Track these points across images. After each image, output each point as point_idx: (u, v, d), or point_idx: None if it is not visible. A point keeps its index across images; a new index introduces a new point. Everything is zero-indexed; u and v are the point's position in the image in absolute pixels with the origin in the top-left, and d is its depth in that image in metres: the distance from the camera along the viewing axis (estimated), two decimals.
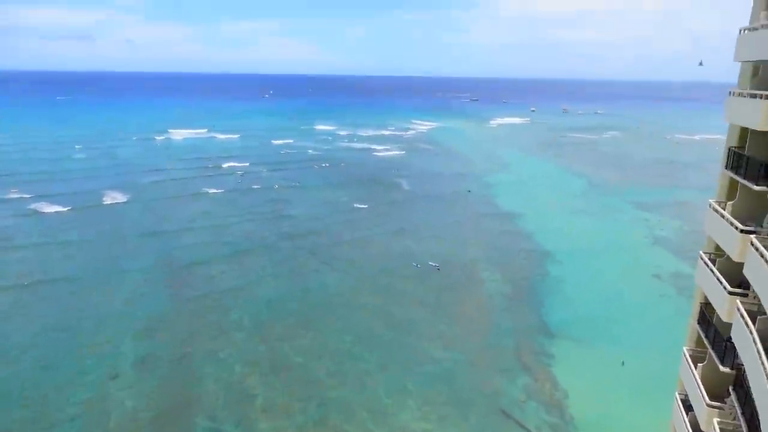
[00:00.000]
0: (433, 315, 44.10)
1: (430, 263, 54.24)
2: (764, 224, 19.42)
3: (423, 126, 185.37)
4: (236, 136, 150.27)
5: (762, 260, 18.27)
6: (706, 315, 23.17)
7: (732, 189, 23.10)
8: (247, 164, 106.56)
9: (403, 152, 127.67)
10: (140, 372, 37.27)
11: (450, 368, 37.10)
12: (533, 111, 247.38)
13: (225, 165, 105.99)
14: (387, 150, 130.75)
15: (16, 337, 40.73)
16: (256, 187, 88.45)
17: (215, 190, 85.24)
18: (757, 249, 19.06)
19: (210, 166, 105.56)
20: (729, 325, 20.39)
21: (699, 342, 24.04)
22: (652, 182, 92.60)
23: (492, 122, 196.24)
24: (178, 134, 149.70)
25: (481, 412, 32.72)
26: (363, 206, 76.70)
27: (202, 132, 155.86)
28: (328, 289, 49.03)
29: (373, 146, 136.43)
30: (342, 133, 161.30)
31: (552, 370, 36.70)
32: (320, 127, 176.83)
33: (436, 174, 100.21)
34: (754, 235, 19.68)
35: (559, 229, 66.39)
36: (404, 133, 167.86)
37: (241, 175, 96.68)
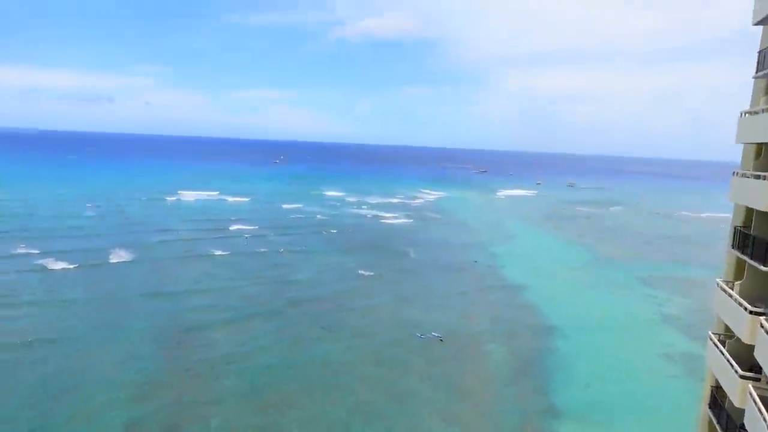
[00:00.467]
0: (435, 388, 42.78)
1: (434, 334, 53.25)
2: None
3: (430, 195, 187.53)
4: (246, 199, 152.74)
5: None
6: (718, 399, 22.31)
7: (739, 268, 22.87)
8: (255, 227, 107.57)
9: (411, 220, 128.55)
10: None
11: None
12: (539, 184, 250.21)
13: (233, 227, 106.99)
14: (395, 218, 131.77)
15: (3, 400, 39.75)
16: (262, 250, 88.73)
17: (221, 252, 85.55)
18: (767, 331, 18.59)
19: (218, 228, 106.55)
20: (742, 411, 19.58)
21: (711, 428, 23.01)
22: (658, 258, 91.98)
23: (499, 194, 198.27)
24: (189, 195, 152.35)
25: None
26: (369, 273, 76.44)
27: (213, 194, 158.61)
28: (330, 357, 47.97)
29: (381, 213, 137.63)
30: (350, 199, 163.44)
31: None
32: (329, 193, 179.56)
33: (443, 243, 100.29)
34: (764, 317, 19.26)
35: (566, 302, 65.45)
36: (412, 201, 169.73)
37: (248, 239, 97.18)
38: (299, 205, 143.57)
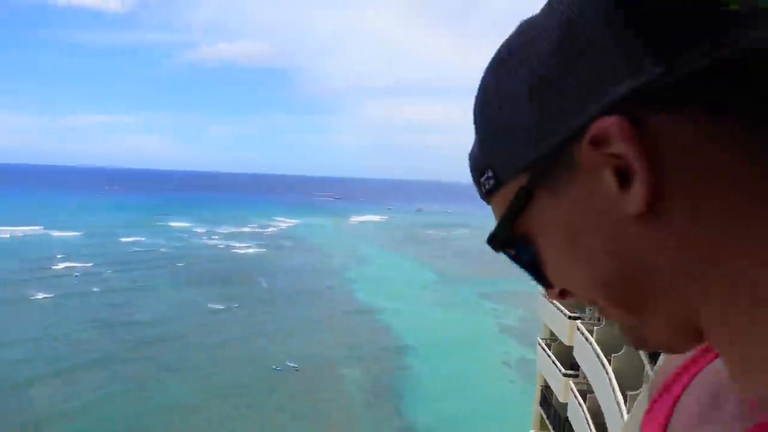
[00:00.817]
0: (293, 419, 41.59)
1: (289, 364, 51.94)
2: (587, 311, 21.64)
3: (285, 223, 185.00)
4: (77, 233, 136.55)
5: (586, 343, 20.09)
6: (547, 397, 24.61)
7: None
8: (89, 264, 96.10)
9: (264, 249, 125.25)
10: None
11: None
12: (390, 209, 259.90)
13: (60, 266, 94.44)
14: (247, 247, 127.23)
15: None
16: (96, 289, 79.81)
17: (45, 295, 75.22)
18: (582, 333, 20.99)
19: (41, 267, 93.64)
20: (566, 405, 21.78)
21: (543, 424, 25.29)
22: (497, 275, 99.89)
23: (352, 220, 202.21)
24: (3, 232, 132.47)
25: None
26: (219, 307, 72.54)
27: (35, 229, 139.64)
28: (177, 401, 44.25)
29: (232, 243, 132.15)
30: (199, 230, 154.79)
31: None
32: (175, 223, 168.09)
33: (297, 270, 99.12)
34: (579, 321, 21.80)
35: (417, 322, 68.12)
36: (265, 230, 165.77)
37: (79, 277, 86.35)
38: (141, 238, 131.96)
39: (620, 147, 0.34)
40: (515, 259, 0.49)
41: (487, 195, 0.47)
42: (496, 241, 0.47)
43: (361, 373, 50.91)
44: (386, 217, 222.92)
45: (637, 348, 0.44)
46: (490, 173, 0.44)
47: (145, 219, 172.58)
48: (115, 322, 63.96)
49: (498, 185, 0.44)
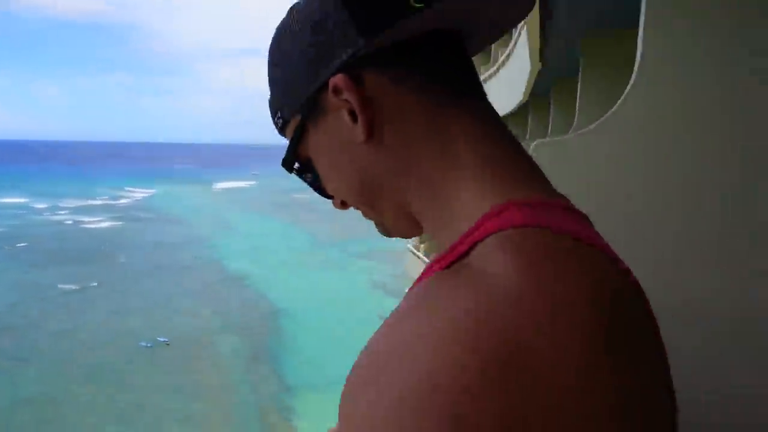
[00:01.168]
0: (168, 395, 40.60)
1: (159, 339, 50.13)
2: None
3: (140, 193, 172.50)
4: None
5: None
6: None
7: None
8: None
9: (119, 223, 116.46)
10: None
11: None
12: (255, 175, 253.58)
13: None
14: (99, 221, 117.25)
15: None
16: None
17: None
18: None
19: None
20: None
21: None
22: (366, 233, 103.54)
23: (216, 187, 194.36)
24: None
25: None
26: (73, 287, 66.92)
27: None
28: (33, 393, 40.78)
29: (82, 218, 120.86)
30: (39, 205, 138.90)
31: (295, 425, 37.29)
32: (8, 200, 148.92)
33: (158, 243, 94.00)
34: None
35: (291, 285, 68.88)
36: (118, 202, 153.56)
37: None
38: None
39: (347, 95, 0.60)
40: (303, 178, 0.74)
41: (280, 130, 0.72)
42: (287, 164, 0.72)
43: (237, 341, 50.77)
44: (252, 183, 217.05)
45: (386, 235, 0.72)
46: (279, 114, 0.70)
47: None
48: None
49: (285, 123, 0.70)
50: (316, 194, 0.80)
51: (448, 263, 0.54)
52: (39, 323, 54.64)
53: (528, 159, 0.60)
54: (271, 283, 68.82)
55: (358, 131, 0.61)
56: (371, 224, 0.72)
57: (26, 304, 60.08)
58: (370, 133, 0.61)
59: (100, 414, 37.84)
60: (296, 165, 0.71)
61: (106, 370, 44.14)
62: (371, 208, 0.70)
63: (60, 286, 66.49)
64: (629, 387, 0.40)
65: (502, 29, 0.66)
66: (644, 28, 2.92)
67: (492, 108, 0.63)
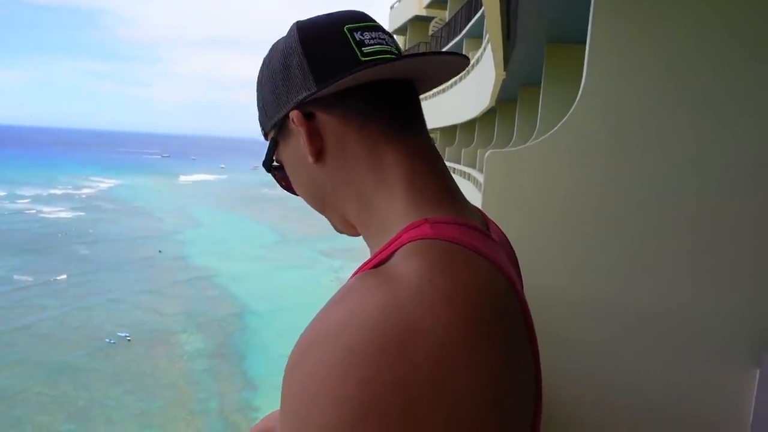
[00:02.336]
0: (126, 392, 39.73)
1: (120, 335, 49.00)
2: None
3: (103, 183, 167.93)
4: None
5: None
6: None
7: None
8: None
9: (81, 213, 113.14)
10: None
11: None
12: (223, 168, 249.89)
13: None
14: (59, 211, 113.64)
15: None
16: None
17: None
18: None
19: None
20: None
21: None
22: (333, 231, 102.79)
23: (182, 179, 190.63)
24: None
25: None
26: (30, 281, 64.77)
27: None
28: None
29: (40, 208, 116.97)
30: None
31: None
32: None
33: (122, 236, 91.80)
34: None
35: (257, 283, 68.20)
36: (80, 191, 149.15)
37: None
38: None
39: (299, 127, 0.78)
40: (278, 179, 0.96)
41: (264, 137, 0.90)
42: (266, 166, 0.91)
43: (201, 339, 50.04)
44: (220, 176, 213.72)
45: (336, 231, 0.97)
46: (261, 126, 0.90)
47: None
48: None
49: (265, 135, 0.90)
50: (284, 190, 0.99)
51: (374, 265, 0.68)
52: None
53: (449, 185, 0.78)
54: (238, 282, 67.93)
55: (308, 155, 0.81)
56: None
57: None
58: (317, 158, 0.80)
59: (55, 412, 36.80)
60: (274, 165, 0.91)
61: (65, 367, 42.95)
62: (322, 212, 0.93)
63: (17, 277, 64.28)
64: (500, 364, 0.55)
65: (446, 78, 0.86)
66: (590, 42, 3.06)
67: (428, 141, 0.81)
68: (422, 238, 0.65)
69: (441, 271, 0.59)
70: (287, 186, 0.95)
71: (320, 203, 0.90)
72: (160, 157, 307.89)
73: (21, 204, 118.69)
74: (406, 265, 0.62)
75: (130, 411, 37.56)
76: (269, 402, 39.32)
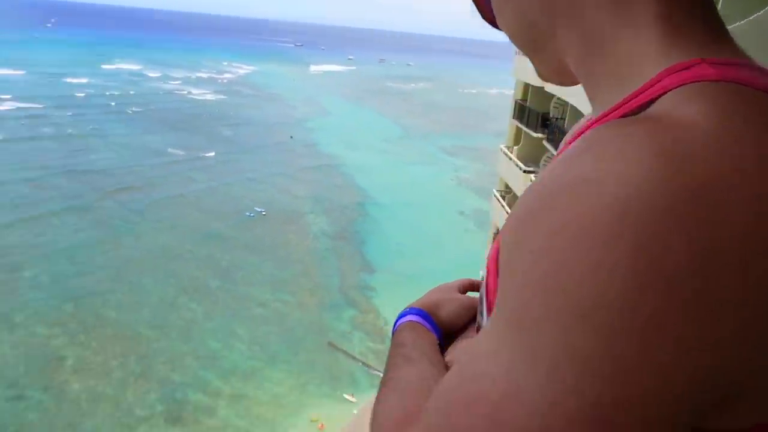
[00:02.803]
0: (261, 259, 44.62)
1: (257, 209, 54.08)
2: (540, 165, 23.52)
3: (242, 69, 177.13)
4: (19, 72, 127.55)
5: None
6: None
7: (518, 136, 27.27)
8: (37, 107, 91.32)
9: (223, 96, 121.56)
10: None
11: (279, 309, 38.37)
12: (351, 59, 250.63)
13: (4, 107, 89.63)
14: (204, 94, 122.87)
15: None
16: (48, 133, 77.45)
17: None
18: None
19: None
20: None
21: None
22: (458, 129, 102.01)
23: (313, 68, 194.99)
24: None
25: (309, 347, 34.74)
26: (181, 155, 72.33)
27: None
28: (147, 240, 46.30)
29: (189, 89, 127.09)
30: (151, 74, 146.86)
31: (374, 302, 40.12)
32: (124, 66, 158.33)
33: (259, 121, 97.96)
34: (533, 175, 23.78)
35: (379, 175, 70.41)
36: (221, 76, 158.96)
37: (26, 120, 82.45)
38: (88, 80, 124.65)
39: None
40: (477, 6, 0.75)
41: None
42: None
43: (326, 222, 53.82)
44: (348, 68, 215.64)
45: (542, 79, 0.71)
46: None
47: (92, 59, 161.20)
48: (74, 169, 63.11)
49: None
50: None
51: (620, 117, 0.49)
52: (155, 186, 60.10)
53: (717, 17, 0.54)
54: (361, 171, 70.69)
55: None
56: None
57: (142, 167, 65.88)
58: None
59: (204, 269, 42.52)
60: None
61: (211, 233, 48.83)
62: (530, 53, 0.69)
63: (171, 151, 72.11)
64: None
65: None
66: None
67: None
68: (702, 80, 0.46)
69: (744, 119, 0.41)
70: (489, 17, 0.71)
71: (529, 43, 0.66)
72: (293, 45, 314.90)
73: (173, 85, 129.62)
74: (689, 110, 0.43)
75: (265, 276, 42.37)
76: (385, 283, 42.16)
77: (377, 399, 0.67)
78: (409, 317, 0.89)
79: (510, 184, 26.30)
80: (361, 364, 33.61)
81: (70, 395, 29.27)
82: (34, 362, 31.43)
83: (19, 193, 55.15)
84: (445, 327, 0.89)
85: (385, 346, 32.31)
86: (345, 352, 34.46)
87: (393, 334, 0.89)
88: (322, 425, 28.99)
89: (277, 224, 51.76)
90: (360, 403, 30.21)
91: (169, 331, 35.06)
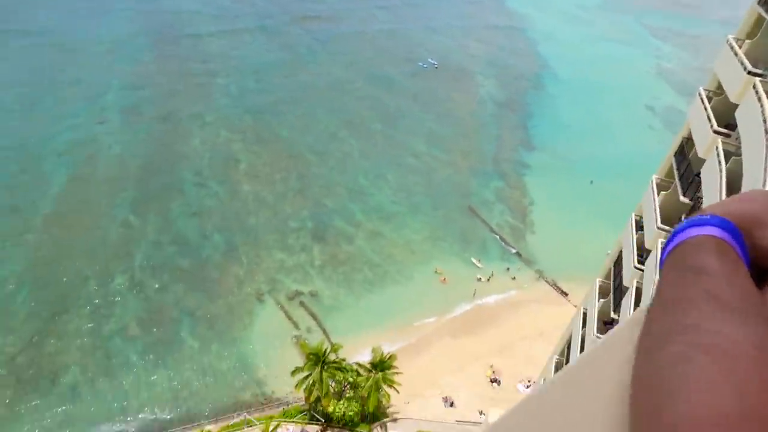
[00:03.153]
0: (424, 111, 44.52)
1: (430, 60, 52.72)
2: None
3: None
4: None
5: (758, 104, 18.52)
6: (685, 149, 24.11)
7: (756, 26, 22.23)
8: None
9: None
10: (127, 121, 38.11)
11: (430, 164, 38.87)
12: None
13: None
14: None
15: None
16: None
17: None
18: (756, 92, 19.16)
19: None
20: (701, 162, 21.46)
21: (669, 173, 25.41)
22: (672, 6, 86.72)
23: None
24: None
25: (450, 206, 35.34)
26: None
27: None
28: (325, 71, 48.16)
29: None
30: None
31: (525, 179, 38.83)
32: None
33: None
34: (759, 79, 19.63)
35: (565, 44, 63.89)
36: None
37: None
38: None
39: None
40: None
41: None
42: None
43: (496, 86, 51.13)
44: None
45: None
46: None
47: None
48: None
49: None
50: None
51: None
52: (343, 21, 60.33)
53: None
54: (547, 38, 64.29)
55: None
56: None
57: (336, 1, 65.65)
58: None
59: (370, 111, 43.60)
60: None
61: (382, 77, 49.16)
62: None
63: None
64: None
65: None
66: None
67: None
68: None
69: None
70: None
71: None
72: None
73: None
74: None
75: (424, 129, 42.50)
76: (542, 164, 40.29)
77: (668, 350, 0.44)
78: (710, 230, 0.56)
79: (724, 85, 22.18)
80: (498, 237, 33.68)
81: (240, 194, 33.51)
82: (216, 159, 35.97)
83: (221, 6, 59.20)
84: (761, 256, 0.56)
85: (523, 224, 31.18)
86: (483, 220, 34.62)
87: (675, 243, 0.58)
88: (445, 279, 30.43)
89: (446, 80, 50.34)
90: (483, 270, 30.89)
91: (328, 159, 37.55)
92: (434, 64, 52.07)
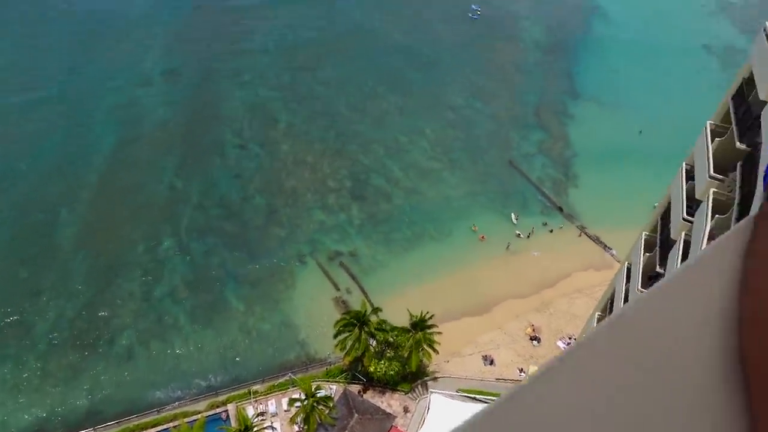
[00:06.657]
0: (463, 61, 42.81)
1: (473, 6, 49.66)
2: None
3: None
4: None
5: None
6: (744, 91, 22.19)
7: None
8: None
9: None
10: (169, 83, 38.40)
11: (469, 116, 37.64)
12: None
13: None
14: None
15: (39, 41, 40.81)
16: None
17: None
18: None
19: None
20: (762, 105, 19.69)
21: (725, 118, 23.55)
22: None
23: None
24: None
25: (490, 160, 34.31)
26: None
27: None
28: (361, 24, 46.68)
29: None
30: None
31: (568, 130, 37.15)
32: None
33: None
34: None
35: None
36: None
37: None
38: None
39: None
40: None
41: None
42: None
43: (541, 31, 48.32)
44: None
45: None
46: None
47: None
48: None
49: None
50: None
51: None
52: None
53: None
54: None
55: None
56: None
57: None
58: None
59: (406, 60, 42.16)
60: None
61: (421, 24, 47.14)
62: None
63: None
64: None
65: None
66: None
67: None
68: None
69: None
70: None
71: None
72: None
73: None
74: None
75: (463, 80, 40.89)
76: (586, 113, 38.41)
77: None
78: None
79: None
80: (538, 191, 32.55)
81: (279, 155, 33.54)
82: (255, 119, 35.95)
83: None
84: None
85: (565, 178, 29.70)
86: (523, 174, 33.52)
87: None
88: (483, 237, 29.80)
89: (490, 27, 47.59)
90: (522, 226, 29.97)
91: (365, 116, 36.92)
92: (478, 10, 49.25)
